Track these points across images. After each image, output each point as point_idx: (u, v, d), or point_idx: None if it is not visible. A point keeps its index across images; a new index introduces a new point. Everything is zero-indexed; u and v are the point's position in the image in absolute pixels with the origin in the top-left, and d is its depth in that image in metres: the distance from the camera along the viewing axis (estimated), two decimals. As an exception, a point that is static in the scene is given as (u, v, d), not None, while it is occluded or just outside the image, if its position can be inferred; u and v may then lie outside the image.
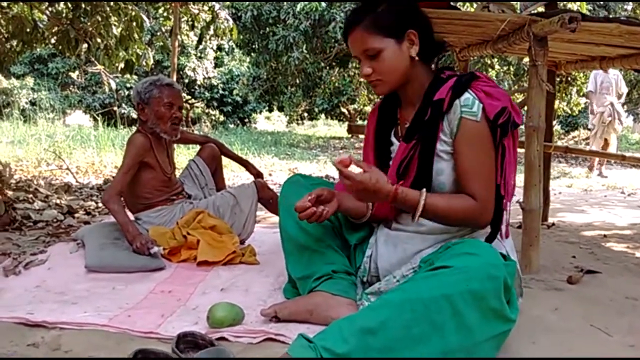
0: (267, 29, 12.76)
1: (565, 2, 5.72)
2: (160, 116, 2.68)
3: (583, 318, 1.84)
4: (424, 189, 1.57)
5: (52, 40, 4.91)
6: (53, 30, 4.80)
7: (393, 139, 1.78)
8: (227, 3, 6.41)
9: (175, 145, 3.09)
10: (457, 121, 1.57)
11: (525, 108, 2.41)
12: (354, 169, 1.54)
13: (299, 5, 11.46)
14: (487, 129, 1.57)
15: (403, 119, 1.76)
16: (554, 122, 6.70)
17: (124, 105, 16.59)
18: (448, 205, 1.57)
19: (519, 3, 3.44)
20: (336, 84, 16.42)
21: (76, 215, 3.59)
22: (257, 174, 3.14)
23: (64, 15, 4.88)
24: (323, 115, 21.57)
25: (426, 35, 1.66)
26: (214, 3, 6.10)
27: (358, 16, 1.63)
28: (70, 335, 1.60)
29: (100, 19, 4.87)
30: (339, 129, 22.80)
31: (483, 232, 1.68)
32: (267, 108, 21.25)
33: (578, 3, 5.26)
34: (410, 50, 1.63)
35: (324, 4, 11.28)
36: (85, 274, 2.25)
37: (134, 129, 2.78)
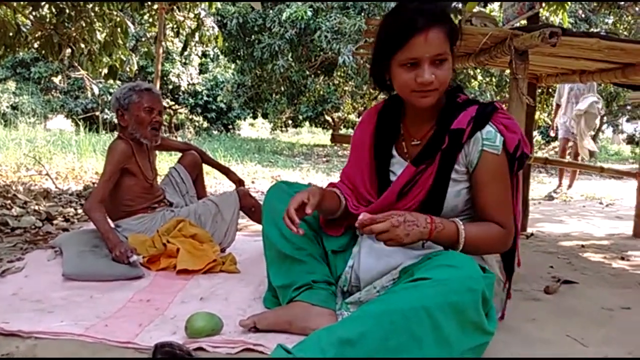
0: (253, 36, 12.79)
1: (547, 16, 5.80)
2: (140, 121, 2.67)
3: (560, 328, 1.86)
4: (457, 218, 1.59)
5: (35, 45, 4.86)
6: (36, 35, 4.76)
7: (394, 153, 1.75)
8: (213, 10, 6.41)
9: (157, 152, 3.07)
10: (478, 153, 1.60)
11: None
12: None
13: (285, 14, 11.50)
14: (506, 161, 1.61)
15: (409, 135, 1.73)
16: (535, 133, 6.67)
17: (106, 110, 16.47)
18: (485, 234, 1.61)
19: (501, 16, 3.49)
20: (321, 92, 16.47)
21: (55, 222, 3.55)
22: (239, 182, 3.14)
23: (47, 20, 4.83)
24: (307, 123, 21.59)
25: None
26: (199, 10, 6.10)
27: (438, 15, 1.51)
28: (46, 345, 1.58)
29: (84, 24, 4.85)
30: (323, 137, 22.87)
31: None
32: (251, 115, 21.26)
33: (560, 17, 5.33)
34: (451, 67, 1.58)
35: (309, 13, 11.32)
36: (62, 282, 2.22)
37: (116, 134, 2.76)
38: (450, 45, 1.54)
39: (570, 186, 6.68)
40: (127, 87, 2.71)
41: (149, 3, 5.38)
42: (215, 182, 6.26)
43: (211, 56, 19.66)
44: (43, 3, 4.62)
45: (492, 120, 1.60)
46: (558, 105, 6.73)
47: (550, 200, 6.29)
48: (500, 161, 1.60)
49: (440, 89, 1.55)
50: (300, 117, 19.17)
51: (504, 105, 1.70)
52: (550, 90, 10.03)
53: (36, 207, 3.83)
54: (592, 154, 7.17)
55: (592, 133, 6.41)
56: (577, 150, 6.43)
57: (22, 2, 4.81)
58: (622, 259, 3.13)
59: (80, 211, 3.95)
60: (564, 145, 6.68)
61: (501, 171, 1.61)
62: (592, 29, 11.30)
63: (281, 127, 22.75)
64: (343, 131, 19.05)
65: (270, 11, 12.20)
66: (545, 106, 10.95)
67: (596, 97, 6.21)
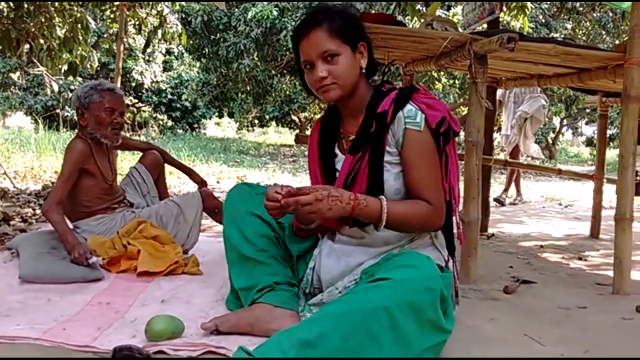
0: (218, 35, 12.69)
1: (508, 20, 5.91)
2: (100, 121, 2.62)
3: (518, 328, 1.90)
4: (382, 196, 1.61)
5: (-8, 40, 4.73)
6: (-7, 30, 4.63)
7: (337, 152, 1.80)
8: (177, 7, 6.34)
9: (118, 152, 3.01)
10: (402, 132, 1.63)
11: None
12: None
13: (250, 13, 11.45)
14: (430, 138, 1.64)
15: (346, 132, 1.78)
16: (496, 135, 6.66)
17: (67, 108, 16.10)
18: (409, 211, 1.62)
19: (462, 20, 3.55)
20: (287, 92, 16.45)
21: (12, 222, 3.46)
22: (201, 182, 3.10)
23: (5, 14, 4.70)
24: (274, 123, 21.56)
25: (371, 51, 1.72)
26: (162, 7, 6.03)
27: (318, 18, 1.65)
28: (2, 350, 1.54)
29: (43, 20, 4.74)
30: (290, 137, 22.82)
31: (423, 242, 1.73)
32: (217, 114, 21.08)
33: (521, 22, 5.44)
34: (361, 61, 1.69)
35: (275, 12, 11.30)
36: (19, 285, 2.17)
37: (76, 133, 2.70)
38: (346, 40, 1.63)
39: (506, 189, 6.32)
40: (89, 86, 2.66)
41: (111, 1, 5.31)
42: (179, 182, 6.20)
43: (175, 54, 19.42)
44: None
45: (413, 99, 1.65)
46: (501, 102, 6.17)
47: (501, 205, 5.98)
48: (424, 137, 1.63)
49: (339, 82, 1.64)
50: (267, 116, 19.15)
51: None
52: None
53: (-8, 207, 3.72)
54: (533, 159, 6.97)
55: (534, 138, 6.21)
56: (516, 152, 6.10)
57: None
58: (580, 259, 3.22)
59: (38, 212, 3.85)
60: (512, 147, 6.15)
61: (426, 148, 1.64)
62: (552, 34, 11.56)
63: (247, 126, 22.65)
64: (309, 131, 19.06)
65: (236, 10, 12.13)
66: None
67: (543, 99, 5.93)
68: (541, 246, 3.58)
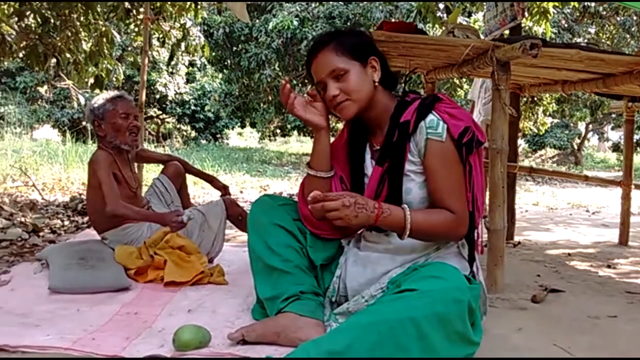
0: (239, 46, 12.80)
1: (531, 26, 5.85)
2: (117, 128, 2.68)
3: (546, 337, 1.88)
4: (405, 205, 1.61)
5: (21, 54, 4.85)
6: (21, 45, 4.74)
7: (367, 163, 1.82)
8: (199, 19, 6.41)
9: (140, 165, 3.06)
10: (424, 142, 1.63)
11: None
12: None
13: (271, 23, 11.53)
14: (453, 148, 1.63)
15: (374, 143, 1.81)
16: (521, 141, 6.61)
17: (93, 120, 16.33)
18: (433, 220, 1.62)
19: (484, 27, 3.53)
20: (308, 102, 16.48)
21: (41, 234, 3.52)
22: (223, 188, 3.11)
23: (32, 29, 4.82)
24: (295, 132, 21.62)
25: (385, 64, 1.75)
26: (185, 19, 6.10)
27: (324, 40, 1.70)
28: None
29: (69, 34, 4.84)
30: (311, 146, 22.86)
31: (449, 251, 1.72)
32: (239, 124, 21.21)
33: (543, 27, 5.39)
34: (373, 75, 1.71)
35: (295, 23, 11.37)
36: (48, 295, 2.21)
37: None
38: (354, 56, 1.67)
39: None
40: (100, 97, 2.75)
41: (134, 13, 5.39)
42: (203, 192, 6.25)
43: (198, 65, 19.64)
44: (28, 13, 4.60)
45: (435, 109, 1.65)
46: (473, 102, 5.28)
47: None
48: (446, 148, 1.63)
49: (352, 97, 1.67)
50: (289, 126, 19.20)
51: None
52: (535, 99, 10.15)
53: (22, 219, 3.80)
54: None
55: None
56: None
57: (6, 12, 4.80)
58: (609, 267, 3.17)
59: (67, 223, 3.92)
60: None
61: (449, 158, 1.63)
62: (575, 39, 11.44)
63: (269, 136, 22.74)
64: (331, 140, 19.03)
65: (257, 21, 12.23)
66: (531, 114, 11.07)
67: None
68: (569, 254, 3.53)
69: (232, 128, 22.70)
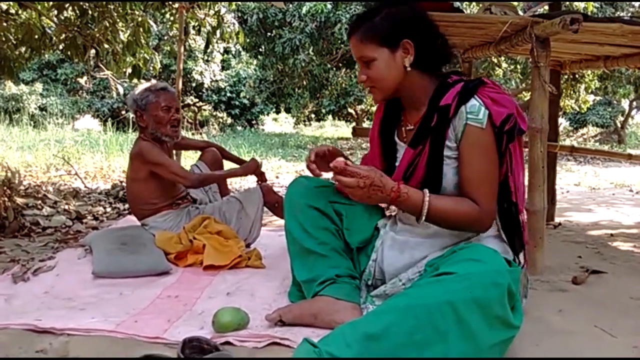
0: (274, 31, 12.80)
1: (570, 2, 5.68)
2: (159, 120, 2.71)
3: (587, 319, 1.84)
4: (426, 190, 1.58)
5: (60, 47, 4.95)
6: (61, 37, 4.84)
7: (397, 140, 1.79)
8: (233, 7, 6.43)
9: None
10: (462, 127, 1.58)
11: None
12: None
13: (305, 8, 11.49)
14: (492, 136, 1.57)
15: (406, 121, 1.76)
16: (562, 120, 6.47)
17: (132, 109, 16.65)
18: (452, 208, 1.58)
19: (521, 3, 3.44)
20: (343, 85, 16.43)
21: (84, 220, 3.62)
22: (260, 174, 3.12)
23: (71, 21, 4.92)
24: (330, 116, 21.57)
25: (426, 44, 1.64)
26: (220, 7, 6.13)
27: (356, 24, 1.67)
28: (78, 342, 1.62)
29: (107, 25, 4.91)
30: (347, 130, 22.78)
31: (489, 234, 1.69)
32: (274, 110, 21.29)
33: (584, 2, 5.21)
34: (404, 60, 1.63)
35: (329, 6, 11.29)
36: (92, 280, 2.27)
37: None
38: (383, 42, 1.62)
39: None
40: (143, 88, 2.76)
41: (170, 2, 5.44)
42: (239, 179, 6.31)
43: (233, 52, 19.74)
44: (67, 5, 4.69)
45: (478, 93, 1.58)
46: None
47: None
48: (485, 135, 1.57)
49: (377, 86, 1.67)
50: (323, 110, 19.16)
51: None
52: (576, 76, 9.85)
53: (66, 207, 3.91)
54: None
55: None
56: None
57: (46, 5, 4.91)
58: (653, 247, 3.08)
59: (109, 209, 4.02)
60: None
61: (485, 146, 1.58)
62: (618, 13, 11.03)
63: (304, 121, 22.76)
64: (367, 124, 18.96)
65: (290, 6, 12.20)
66: (572, 92, 10.76)
67: None
68: (611, 235, 3.44)
69: (267, 114, 22.82)
